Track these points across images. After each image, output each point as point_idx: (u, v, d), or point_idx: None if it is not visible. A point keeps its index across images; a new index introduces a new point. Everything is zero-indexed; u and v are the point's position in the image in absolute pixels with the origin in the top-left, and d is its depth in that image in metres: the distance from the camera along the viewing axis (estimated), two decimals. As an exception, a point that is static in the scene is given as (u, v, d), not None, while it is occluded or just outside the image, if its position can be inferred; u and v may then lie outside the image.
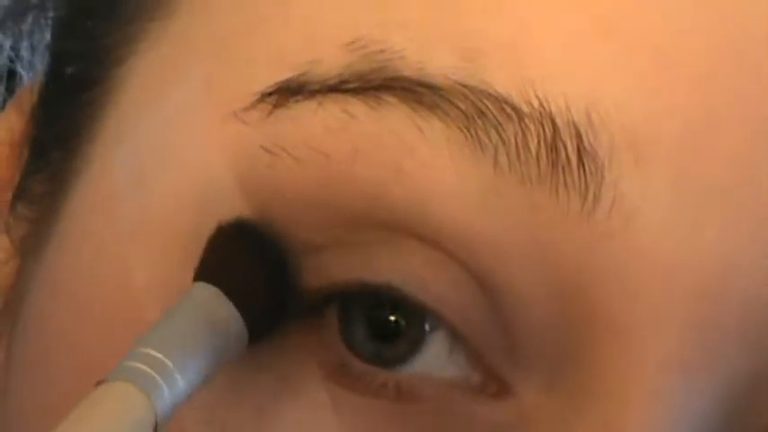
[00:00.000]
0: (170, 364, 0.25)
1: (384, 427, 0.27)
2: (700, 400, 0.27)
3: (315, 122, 0.27)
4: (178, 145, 0.29)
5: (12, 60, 0.41)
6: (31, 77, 0.41)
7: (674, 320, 0.26)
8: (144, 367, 0.25)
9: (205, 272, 0.28)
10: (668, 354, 0.26)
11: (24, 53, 0.41)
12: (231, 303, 0.27)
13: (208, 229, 0.28)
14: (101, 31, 0.32)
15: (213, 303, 0.27)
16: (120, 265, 0.29)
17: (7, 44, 0.41)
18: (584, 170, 0.26)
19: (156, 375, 0.25)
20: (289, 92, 0.28)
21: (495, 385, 0.28)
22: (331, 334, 0.28)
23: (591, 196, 0.26)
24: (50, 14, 0.39)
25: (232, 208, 0.28)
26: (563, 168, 0.26)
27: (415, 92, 0.27)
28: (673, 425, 0.26)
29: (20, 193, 0.34)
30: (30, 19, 0.40)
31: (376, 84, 0.27)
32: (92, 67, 0.32)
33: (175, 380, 0.25)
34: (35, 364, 0.31)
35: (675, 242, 0.26)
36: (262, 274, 0.28)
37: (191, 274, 0.28)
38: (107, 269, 0.29)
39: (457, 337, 0.28)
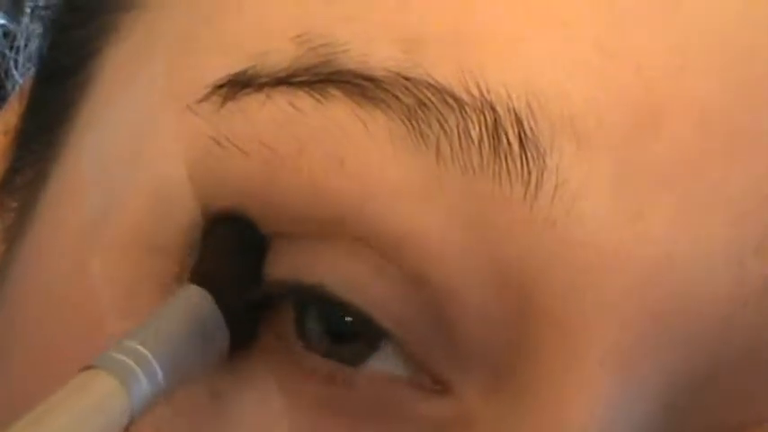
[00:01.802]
0: (151, 358, 0.25)
1: (329, 415, 0.28)
2: (641, 397, 0.26)
3: (263, 115, 0.27)
4: (137, 136, 0.30)
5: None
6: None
7: (614, 313, 0.26)
8: (125, 358, 0.25)
9: (198, 273, 0.28)
10: (609, 350, 0.26)
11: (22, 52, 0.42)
12: (218, 308, 0.27)
13: (162, 222, 0.28)
14: (78, 22, 0.33)
15: (202, 307, 0.27)
16: (79, 254, 0.29)
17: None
18: (527, 157, 0.26)
19: (136, 367, 0.25)
20: (239, 84, 0.28)
21: (437, 384, 0.28)
22: (285, 326, 0.28)
23: (533, 183, 0.26)
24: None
25: (185, 199, 0.28)
26: (505, 155, 0.26)
27: (359, 85, 0.27)
28: (613, 424, 0.26)
29: (5, 185, 0.35)
30: (27, 17, 0.41)
31: (321, 77, 0.27)
32: (70, 58, 0.33)
33: (155, 374, 0.25)
34: (3, 352, 0.31)
35: (616, 231, 0.26)
36: (245, 280, 0.28)
37: (143, 264, 0.28)
38: (68, 258, 0.30)
39: (394, 341, 0.28)
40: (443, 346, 0.27)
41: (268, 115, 0.27)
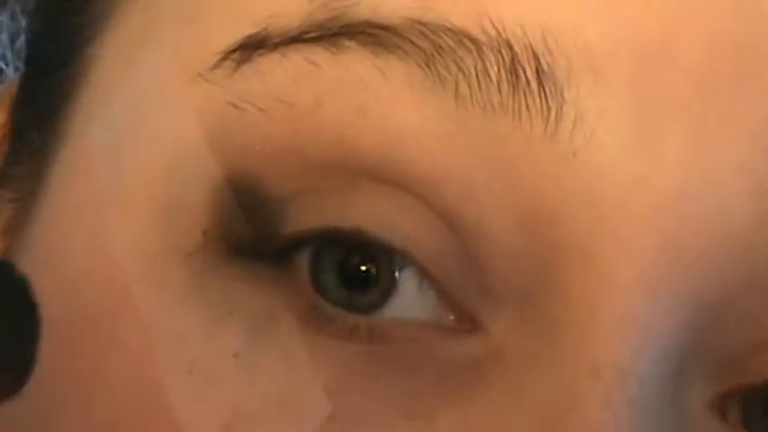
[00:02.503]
0: None
1: (358, 369, 0.28)
2: (667, 321, 0.27)
3: (279, 74, 0.28)
4: (150, 112, 0.30)
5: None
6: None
7: (637, 240, 0.26)
8: None
9: None
10: (633, 276, 0.26)
11: (5, 47, 0.41)
12: None
13: (182, 192, 0.28)
14: (70, 10, 0.33)
15: None
16: (100, 233, 0.29)
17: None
18: (545, 92, 0.26)
19: None
20: (252, 47, 0.28)
21: (466, 323, 0.28)
22: (302, 280, 0.28)
23: (553, 117, 0.26)
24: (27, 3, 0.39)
25: (203, 168, 0.28)
26: (524, 92, 0.27)
27: (374, 34, 0.27)
28: (641, 347, 0.26)
29: (4, 179, 0.34)
30: (7, 11, 0.40)
31: (335, 30, 0.27)
32: (64, 46, 0.33)
33: None
34: None
35: (636, 159, 0.26)
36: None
37: (167, 236, 0.28)
38: (87, 238, 0.30)
39: (427, 278, 0.28)
40: (474, 282, 0.28)
41: (284, 73, 0.28)
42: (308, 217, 0.28)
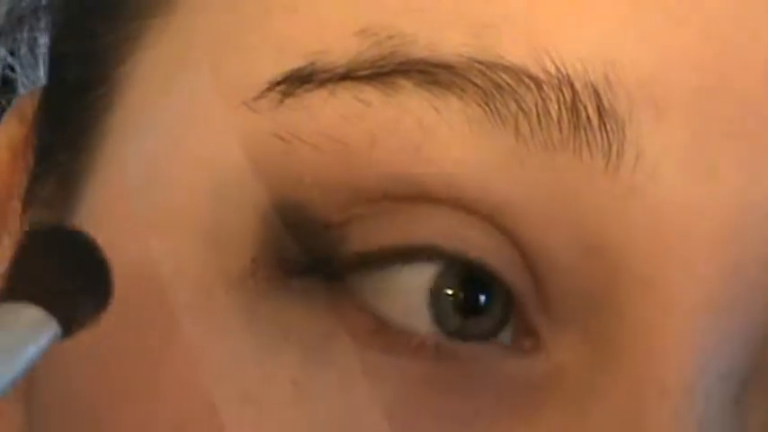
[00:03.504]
0: None
1: (420, 388, 0.28)
2: (728, 342, 0.27)
3: (328, 111, 0.28)
4: (189, 136, 0.29)
5: (12, 69, 0.41)
6: (29, 85, 0.41)
7: (699, 267, 0.27)
8: None
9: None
10: (696, 299, 0.27)
11: (22, 60, 0.41)
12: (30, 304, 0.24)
13: (227, 217, 0.28)
14: (102, 31, 0.32)
15: (12, 314, 0.24)
16: (141, 260, 0.29)
17: (2, 52, 0.41)
18: (606, 129, 0.27)
19: None
20: (298, 81, 0.28)
21: (527, 341, 0.28)
22: (364, 301, 0.28)
23: (614, 154, 0.27)
24: (48, 19, 0.39)
25: (249, 193, 0.28)
26: (585, 129, 0.27)
27: (430, 73, 0.27)
28: (701, 370, 0.27)
29: (30, 199, 0.34)
30: (26, 26, 0.40)
31: (388, 69, 0.27)
32: (94, 68, 0.32)
33: None
34: (57, 366, 0.31)
35: (696, 189, 0.27)
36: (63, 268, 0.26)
37: (213, 262, 0.28)
38: (129, 266, 0.29)
39: (496, 290, 0.28)
40: (537, 299, 0.28)
41: (333, 111, 0.27)
42: (373, 236, 0.28)
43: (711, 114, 0.27)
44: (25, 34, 0.40)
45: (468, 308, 0.28)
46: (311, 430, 0.28)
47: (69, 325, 0.24)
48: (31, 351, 0.23)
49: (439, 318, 0.28)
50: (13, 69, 0.41)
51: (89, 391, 0.30)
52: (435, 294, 0.28)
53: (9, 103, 0.38)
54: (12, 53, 0.41)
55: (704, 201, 0.27)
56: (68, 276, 0.25)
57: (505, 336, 0.28)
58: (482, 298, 0.28)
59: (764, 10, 0.27)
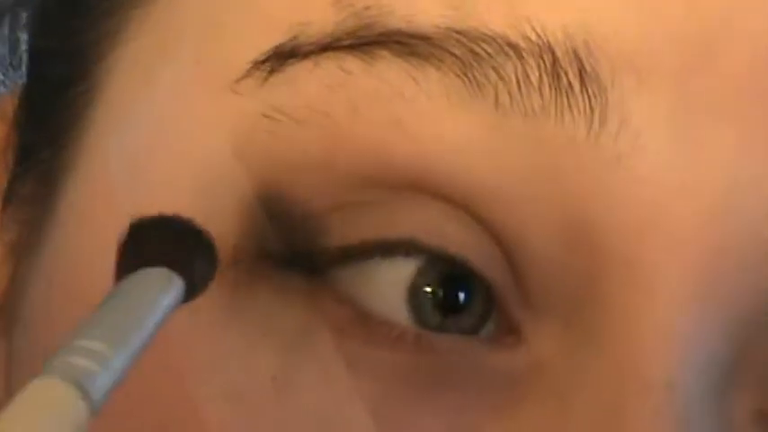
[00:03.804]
0: (103, 349, 0.24)
1: (402, 381, 0.27)
2: (712, 331, 0.26)
3: (312, 82, 0.27)
4: (171, 129, 0.29)
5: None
6: (10, 84, 0.41)
7: (682, 249, 0.26)
8: (77, 359, 0.23)
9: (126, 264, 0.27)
10: (678, 285, 0.26)
11: (2, 60, 0.41)
12: (163, 268, 0.26)
13: (210, 208, 0.28)
14: (82, 27, 0.32)
15: (141, 276, 0.26)
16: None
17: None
18: (588, 93, 0.26)
19: (92, 366, 0.23)
20: (283, 56, 0.28)
21: (509, 335, 0.28)
22: (344, 293, 0.28)
23: (596, 119, 0.26)
24: (25, 16, 0.39)
25: (232, 183, 0.28)
26: (566, 94, 0.26)
27: (407, 44, 0.27)
28: (687, 359, 0.26)
29: (9, 197, 0.34)
30: (5, 24, 0.40)
31: (368, 39, 0.27)
32: (75, 64, 0.32)
33: (112, 366, 0.23)
34: (40, 359, 0.30)
35: (680, 164, 0.26)
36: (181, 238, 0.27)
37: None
38: (108, 258, 0.29)
39: (476, 286, 0.28)
40: (518, 292, 0.27)
41: (317, 81, 0.27)
42: (354, 230, 0.27)
43: (697, 87, 0.26)
44: (5, 32, 0.40)
45: (448, 306, 0.28)
46: (293, 424, 0.27)
47: (190, 284, 0.26)
48: (167, 302, 0.25)
49: (418, 316, 0.28)
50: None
51: None
52: (414, 292, 0.28)
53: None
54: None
55: (690, 176, 0.26)
56: (180, 248, 0.27)
57: (487, 330, 0.28)
58: (462, 296, 0.28)
59: None
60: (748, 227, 0.26)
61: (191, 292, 0.26)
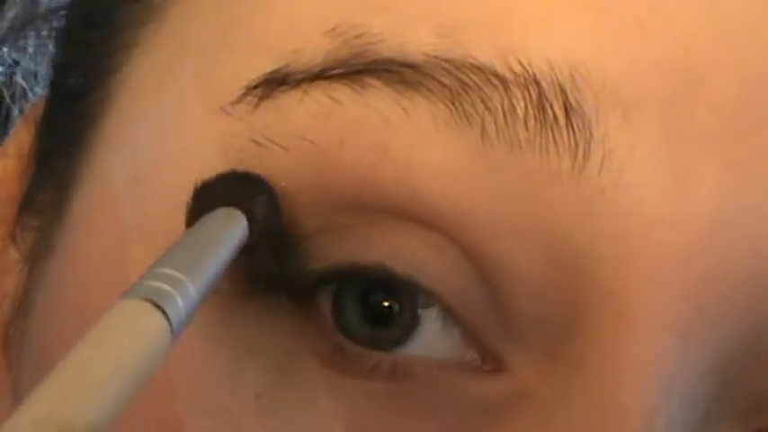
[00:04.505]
0: (186, 281, 0.25)
1: (380, 408, 0.28)
2: (694, 364, 0.26)
3: (301, 111, 0.28)
4: (172, 142, 0.30)
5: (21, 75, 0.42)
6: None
7: (665, 280, 0.26)
8: (161, 285, 0.24)
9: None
10: (661, 317, 0.26)
11: (37, 68, 0.42)
12: (241, 215, 0.27)
13: None
14: (97, 39, 0.33)
15: (217, 215, 0.27)
16: (120, 264, 0.29)
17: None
18: (573, 128, 0.26)
19: (173, 292, 0.24)
20: (274, 83, 0.28)
21: (490, 362, 0.28)
22: (324, 319, 0.28)
23: (581, 154, 0.26)
24: (54, 26, 0.39)
25: None
26: (551, 128, 0.26)
27: (397, 72, 0.27)
28: (668, 390, 0.26)
29: (26, 205, 0.35)
30: (36, 32, 0.41)
31: (358, 68, 0.27)
32: (90, 75, 0.33)
33: (190, 295, 0.25)
34: (42, 368, 0.31)
35: (665, 197, 0.26)
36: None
37: None
38: (109, 269, 0.30)
39: (450, 316, 0.28)
40: (498, 322, 0.27)
41: (306, 110, 0.28)
42: (331, 254, 0.28)
43: (683, 120, 0.26)
44: (33, 41, 0.41)
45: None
46: None
47: (252, 221, 0.27)
48: (237, 234, 0.27)
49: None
50: (22, 75, 0.42)
51: None
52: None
53: (21, 111, 0.40)
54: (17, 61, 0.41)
55: (674, 210, 0.26)
56: (244, 193, 0.28)
57: (469, 356, 0.28)
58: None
59: (736, 16, 0.27)
60: (732, 260, 0.26)
61: (255, 228, 0.27)
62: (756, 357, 0.27)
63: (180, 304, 0.24)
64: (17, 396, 0.33)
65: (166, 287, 0.24)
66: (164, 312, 0.23)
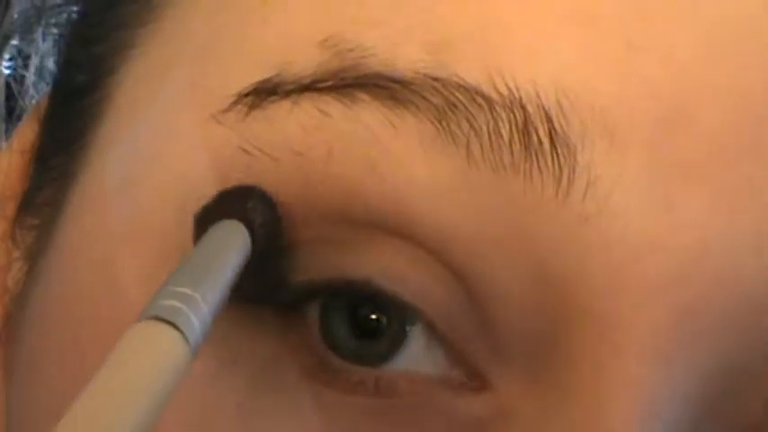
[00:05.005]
0: (200, 300, 0.25)
1: (363, 424, 0.28)
2: (679, 389, 0.26)
3: (290, 122, 0.28)
4: (163, 147, 0.30)
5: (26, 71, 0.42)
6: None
7: (651, 306, 0.26)
8: (179, 305, 0.24)
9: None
10: (646, 343, 0.26)
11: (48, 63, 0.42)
12: (239, 223, 0.27)
13: (188, 235, 0.28)
14: (96, 38, 0.33)
15: (224, 229, 0.27)
16: (109, 266, 0.29)
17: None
18: (557, 154, 0.26)
19: (189, 312, 0.24)
20: (264, 92, 0.28)
21: (474, 380, 0.28)
22: (311, 332, 0.28)
23: (565, 180, 0.26)
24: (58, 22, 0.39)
25: None
26: (536, 153, 0.26)
27: (387, 88, 0.27)
28: (651, 416, 0.26)
29: (26, 202, 0.35)
30: (47, 27, 0.41)
31: (349, 81, 0.27)
32: (89, 74, 0.33)
33: (204, 315, 0.25)
34: (33, 366, 0.31)
35: (650, 224, 0.26)
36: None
37: None
38: (98, 270, 0.30)
39: (435, 334, 0.28)
40: (483, 339, 0.27)
41: (296, 121, 0.27)
42: (317, 267, 0.27)
43: (670, 148, 0.26)
44: (41, 37, 0.41)
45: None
46: None
47: (251, 231, 0.27)
48: (241, 241, 0.27)
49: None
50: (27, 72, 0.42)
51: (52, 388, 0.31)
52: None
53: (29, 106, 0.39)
54: (27, 56, 0.42)
55: (659, 238, 0.26)
56: (245, 206, 0.28)
57: (454, 374, 0.28)
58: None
59: (726, 41, 0.27)
60: (719, 286, 0.26)
61: (254, 236, 0.27)
62: (744, 382, 0.27)
63: (195, 323, 0.24)
64: (8, 394, 0.33)
65: (179, 305, 0.24)
66: (181, 332, 0.24)
